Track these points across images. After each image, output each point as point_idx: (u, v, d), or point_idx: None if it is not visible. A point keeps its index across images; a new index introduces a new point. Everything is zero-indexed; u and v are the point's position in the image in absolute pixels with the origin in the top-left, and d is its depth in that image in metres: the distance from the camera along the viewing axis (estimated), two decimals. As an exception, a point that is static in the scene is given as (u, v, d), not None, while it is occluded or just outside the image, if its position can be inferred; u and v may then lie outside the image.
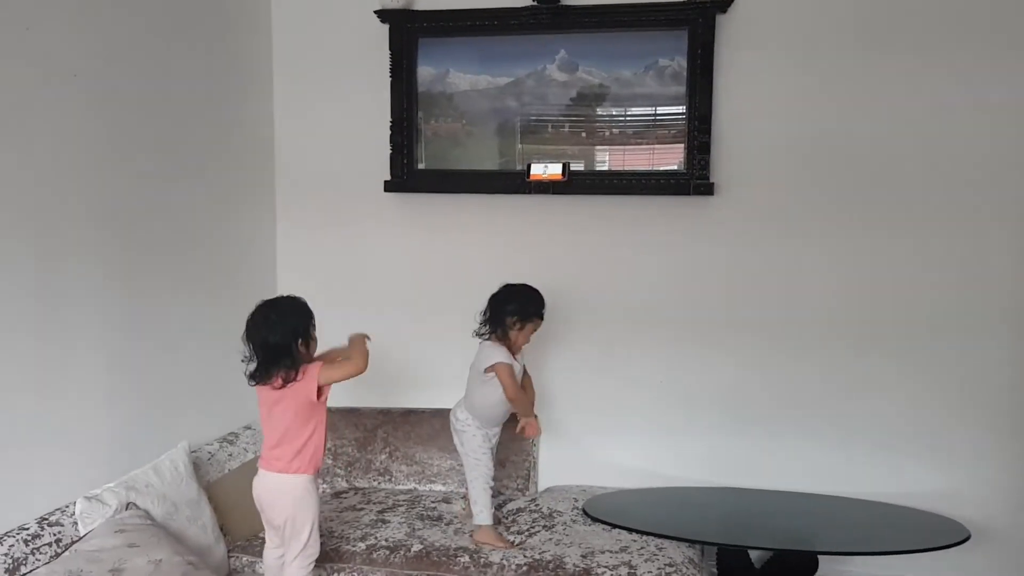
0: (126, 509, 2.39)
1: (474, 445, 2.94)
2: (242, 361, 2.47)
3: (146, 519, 2.40)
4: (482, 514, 2.88)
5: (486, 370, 2.87)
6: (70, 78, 2.46)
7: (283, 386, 2.42)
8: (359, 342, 2.53)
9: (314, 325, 2.49)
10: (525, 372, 3.04)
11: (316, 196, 3.54)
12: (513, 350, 2.90)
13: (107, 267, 2.63)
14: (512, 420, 2.99)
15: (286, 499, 2.46)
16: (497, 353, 2.87)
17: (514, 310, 2.87)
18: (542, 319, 2.92)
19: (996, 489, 3.10)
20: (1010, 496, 3.09)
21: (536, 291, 2.92)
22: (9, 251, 2.27)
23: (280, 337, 2.41)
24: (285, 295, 2.54)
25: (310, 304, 2.52)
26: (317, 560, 2.58)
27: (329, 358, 2.52)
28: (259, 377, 2.44)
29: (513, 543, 2.84)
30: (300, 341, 2.43)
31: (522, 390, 2.94)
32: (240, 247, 3.37)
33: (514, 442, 3.25)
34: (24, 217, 2.31)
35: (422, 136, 3.47)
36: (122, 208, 2.69)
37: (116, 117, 2.65)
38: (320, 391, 2.44)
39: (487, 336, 2.91)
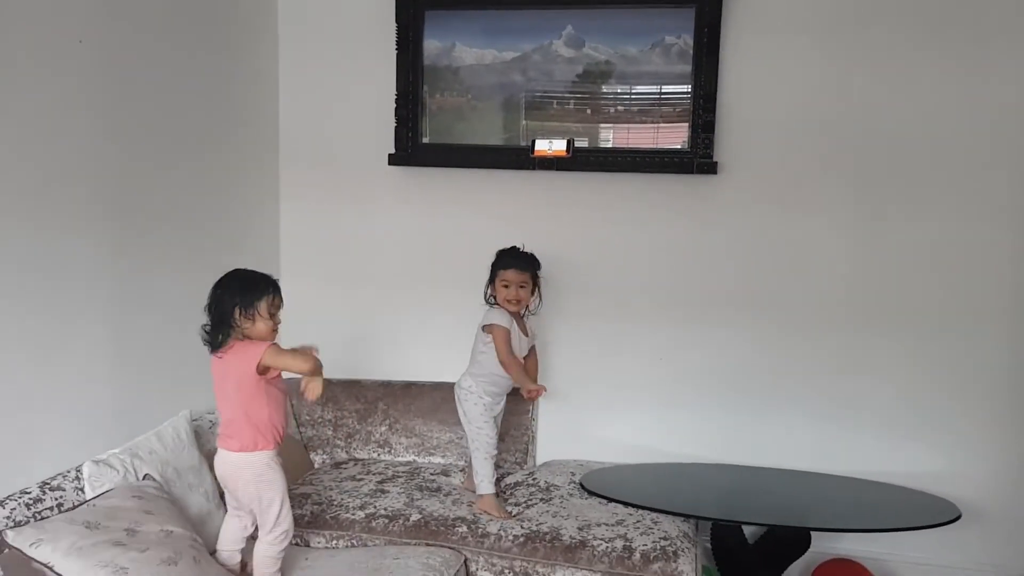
0: (144, 479, 2.42)
1: (475, 414, 2.97)
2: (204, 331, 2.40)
3: (161, 491, 2.43)
4: (483, 484, 2.92)
5: (484, 328, 2.95)
6: (75, 45, 2.46)
7: (224, 357, 2.36)
8: (306, 353, 2.44)
9: (273, 303, 2.38)
10: (532, 351, 3.08)
11: (320, 169, 3.54)
12: (515, 313, 2.97)
13: (110, 238, 2.64)
14: (516, 393, 3.03)
15: (248, 477, 2.39)
16: (495, 315, 2.95)
17: (490, 277, 3.00)
18: (506, 268, 2.95)
19: (987, 470, 3.13)
20: (1001, 476, 3.13)
21: (507, 248, 3.01)
22: (13, 223, 2.28)
23: (223, 304, 2.34)
24: (249, 269, 2.42)
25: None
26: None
27: (293, 350, 2.43)
28: (208, 343, 2.37)
29: (512, 514, 2.87)
30: (242, 312, 2.34)
31: (515, 357, 2.96)
32: (243, 219, 3.38)
33: (514, 416, 3.28)
34: (26, 189, 2.32)
35: (427, 110, 3.47)
36: (126, 181, 2.69)
37: (119, 91, 2.64)
38: (266, 370, 2.36)
39: (489, 305, 3.01)
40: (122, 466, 2.40)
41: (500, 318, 2.95)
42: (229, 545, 2.50)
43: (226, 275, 2.39)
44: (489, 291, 3.02)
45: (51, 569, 2.03)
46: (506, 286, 2.95)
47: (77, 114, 2.49)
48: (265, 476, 2.39)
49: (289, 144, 3.57)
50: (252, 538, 2.50)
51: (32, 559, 2.02)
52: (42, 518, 2.21)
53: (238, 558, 2.50)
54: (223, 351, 2.35)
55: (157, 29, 2.80)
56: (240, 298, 2.33)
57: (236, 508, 2.49)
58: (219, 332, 2.35)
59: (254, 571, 2.43)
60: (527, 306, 3.02)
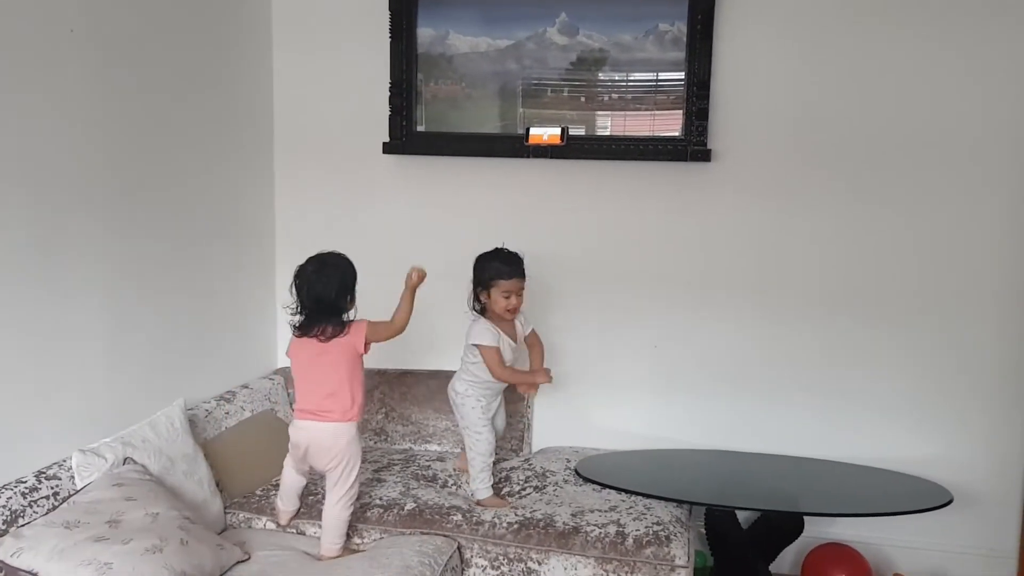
0: (123, 464, 2.43)
1: (473, 418, 2.95)
2: (286, 310, 2.58)
3: (144, 474, 2.44)
4: (481, 490, 2.92)
5: (472, 345, 2.91)
6: (67, 33, 2.46)
7: (329, 339, 2.52)
8: (408, 297, 2.65)
9: (357, 281, 2.59)
10: (533, 336, 3.04)
11: (315, 158, 3.55)
12: (501, 322, 2.90)
13: (104, 228, 2.64)
14: (511, 389, 3.05)
15: (341, 446, 2.56)
16: (480, 333, 2.88)
17: (475, 281, 2.90)
18: (507, 277, 2.84)
19: (978, 454, 3.15)
20: (992, 460, 3.14)
21: (500, 252, 2.88)
22: (5, 212, 2.28)
23: (332, 292, 2.52)
24: (333, 251, 2.61)
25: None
26: (308, 517, 2.69)
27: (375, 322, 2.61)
28: (306, 329, 2.54)
29: (511, 503, 2.89)
30: (348, 297, 2.55)
31: (510, 369, 2.92)
32: (238, 207, 3.38)
33: (510, 404, 3.28)
34: (19, 178, 2.32)
35: (422, 98, 3.47)
36: (119, 171, 2.70)
37: (111, 80, 2.64)
38: (367, 346, 2.57)
39: (475, 314, 2.93)
40: (113, 455, 2.41)
41: (487, 337, 2.85)
42: (294, 491, 2.74)
43: (319, 263, 2.56)
44: (477, 299, 2.89)
45: (36, 575, 2.04)
46: (507, 296, 2.84)
47: (69, 102, 2.48)
48: (354, 444, 2.60)
49: (284, 132, 3.56)
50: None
51: (17, 569, 2.03)
52: (37, 506, 2.23)
53: (297, 505, 2.77)
54: (321, 335, 2.52)
55: (150, 17, 2.80)
56: (348, 284, 2.56)
57: (295, 465, 2.69)
58: (328, 321, 2.53)
59: (325, 531, 2.60)
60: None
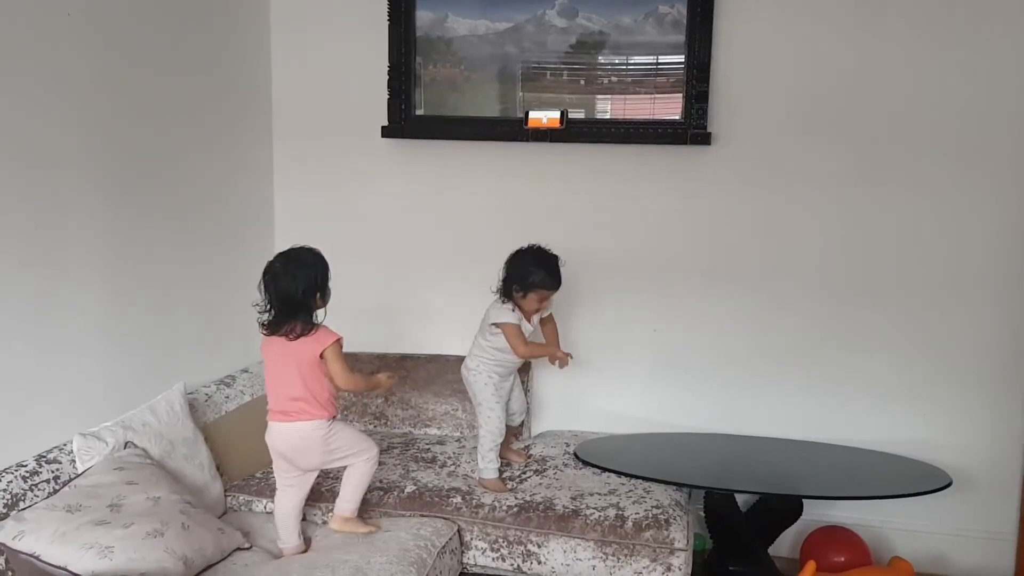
0: (124, 448, 2.43)
1: (487, 394, 2.95)
2: (255, 308, 2.49)
3: (145, 458, 2.45)
4: (488, 469, 2.92)
5: (492, 324, 2.89)
6: (64, 16, 2.44)
7: (296, 338, 2.44)
8: (376, 381, 2.66)
9: (329, 278, 2.50)
10: (550, 319, 3.04)
11: (314, 142, 3.53)
12: (526, 314, 2.89)
13: (104, 211, 2.64)
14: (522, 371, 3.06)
15: (317, 443, 2.49)
16: (502, 312, 2.87)
17: (514, 278, 2.86)
18: (548, 289, 2.84)
19: (977, 437, 3.15)
20: (991, 444, 3.15)
21: (546, 260, 2.84)
22: (5, 192, 2.28)
23: (298, 290, 2.43)
24: (303, 246, 2.52)
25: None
26: (309, 500, 2.66)
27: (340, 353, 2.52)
28: (273, 328, 2.46)
29: (510, 487, 2.90)
30: (317, 295, 2.46)
31: (531, 344, 2.93)
32: (237, 191, 3.37)
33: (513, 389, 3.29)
34: (14, 165, 2.31)
35: (420, 82, 3.45)
36: (117, 156, 2.69)
37: (109, 63, 2.63)
38: (322, 356, 2.46)
39: (499, 298, 2.90)
40: (113, 438, 2.42)
41: (508, 315, 2.85)
42: (291, 522, 2.55)
43: (287, 260, 2.48)
44: (508, 292, 2.86)
45: (37, 559, 2.04)
46: (541, 301, 2.86)
47: (67, 85, 2.47)
48: (333, 436, 2.52)
49: (282, 117, 3.55)
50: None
51: (18, 552, 2.04)
52: (38, 489, 2.23)
53: (299, 540, 2.56)
54: (290, 333, 2.44)
55: (147, 1, 2.78)
56: (317, 281, 2.46)
57: (289, 482, 2.56)
58: (297, 319, 2.45)
59: (344, 486, 2.57)
60: None
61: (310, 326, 2.45)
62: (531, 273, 2.83)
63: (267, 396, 2.55)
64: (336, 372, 2.47)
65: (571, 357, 2.97)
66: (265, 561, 2.43)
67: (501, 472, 2.98)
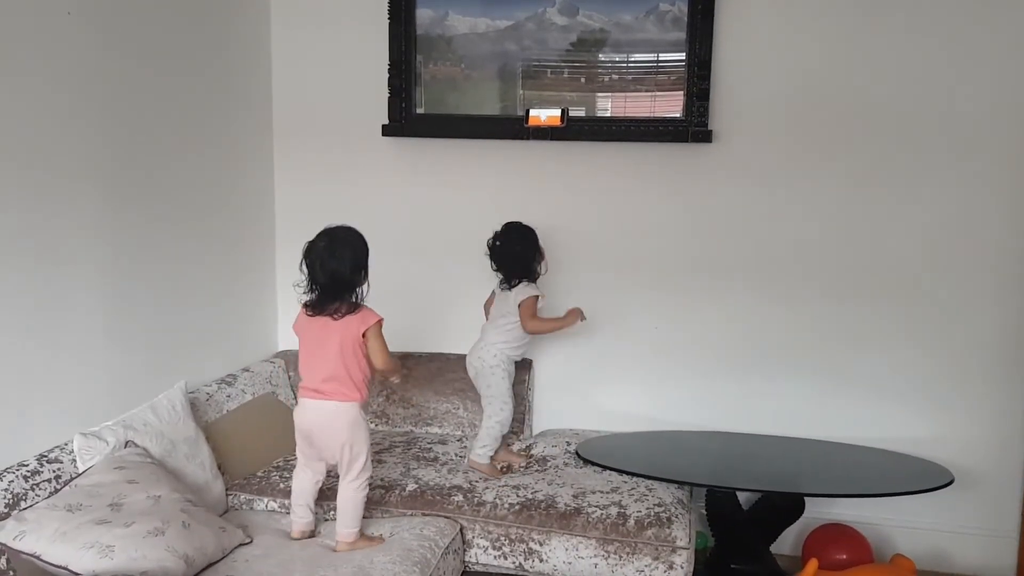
0: (125, 447, 2.43)
1: (503, 388, 3.01)
2: (297, 288, 2.49)
3: (145, 456, 2.44)
4: (483, 455, 2.97)
5: (522, 304, 2.94)
6: (64, 15, 2.44)
7: (341, 317, 2.45)
8: (400, 364, 2.73)
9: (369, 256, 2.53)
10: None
11: (314, 139, 3.53)
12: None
13: (105, 211, 2.63)
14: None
15: (343, 425, 2.49)
16: (528, 288, 2.96)
17: (532, 254, 2.97)
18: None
19: (979, 434, 3.15)
20: (992, 441, 3.15)
21: (525, 225, 3.00)
22: (5, 191, 2.27)
23: (346, 267, 2.44)
24: (342, 225, 2.51)
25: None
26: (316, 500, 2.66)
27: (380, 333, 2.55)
28: (319, 308, 2.47)
29: (502, 471, 2.96)
30: (363, 272, 2.48)
31: (546, 319, 3.03)
32: (238, 189, 3.37)
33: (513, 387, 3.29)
34: (16, 164, 2.31)
35: (421, 80, 3.45)
36: (119, 155, 2.68)
37: (110, 63, 2.63)
38: (364, 335, 2.49)
39: (522, 284, 2.98)
40: (114, 438, 2.41)
41: (534, 289, 2.97)
42: (304, 499, 2.59)
43: (331, 239, 2.47)
44: (534, 269, 2.99)
45: (39, 558, 2.04)
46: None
47: (68, 84, 2.47)
48: (360, 424, 2.52)
49: (283, 114, 3.55)
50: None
51: (19, 552, 2.03)
52: (39, 489, 2.23)
53: (311, 518, 2.59)
54: (335, 313, 2.45)
55: (148, 0, 2.78)
56: (362, 260, 2.49)
57: (312, 464, 2.59)
58: (343, 299, 2.46)
59: (340, 515, 2.54)
60: None
61: (355, 305, 2.47)
62: (536, 242, 2.99)
63: (300, 374, 2.56)
64: (376, 350, 2.50)
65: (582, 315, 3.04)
66: (267, 556, 2.43)
67: (502, 470, 2.99)
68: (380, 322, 2.50)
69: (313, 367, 2.51)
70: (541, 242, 3.01)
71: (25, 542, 2.05)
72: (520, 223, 3.01)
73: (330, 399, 2.49)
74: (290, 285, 2.59)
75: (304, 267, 2.46)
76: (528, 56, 3.36)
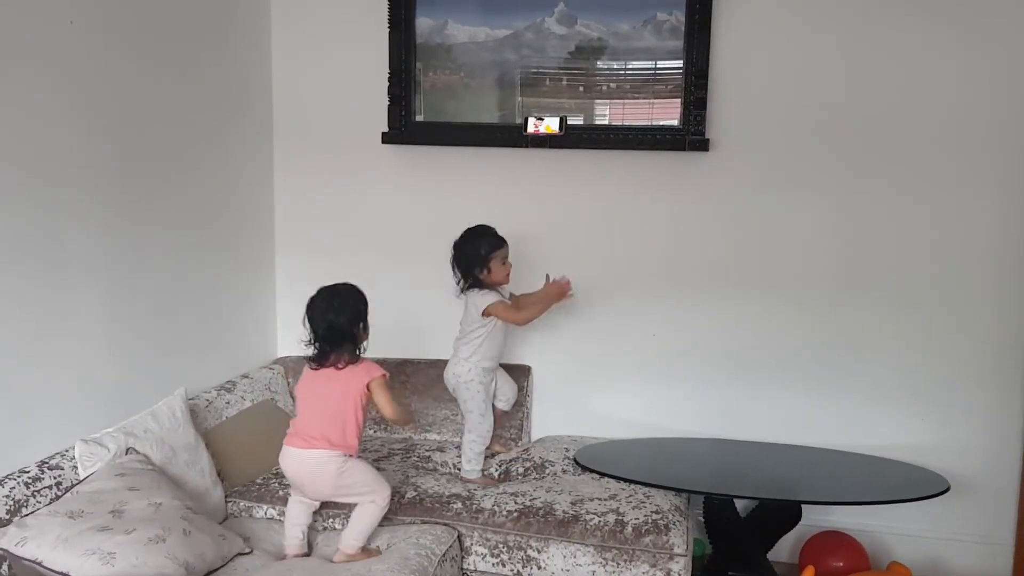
0: (126, 453, 2.44)
1: (478, 401, 2.99)
2: (304, 344, 2.55)
3: (147, 464, 2.45)
4: (472, 471, 2.99)
5: (484, 314, 2.91)
6: (67, 24, 2.45)
7: (345, 366, 2.51)
8: (412, 414, 2.78)
9: (368, 310, 2.58)
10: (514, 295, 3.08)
11: (314, 147, 3.54)
12: (500, 286, 2.96)
13: (105, 219, 2.64)
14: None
15: (328, 479, 2.51)
16: (486, 297, 2.91)
17: (471, 263, 2.91)
18: (501, 247, 2.92)
19: (976, 442, 3.16)
20: (989, 449, 3.16)
21: (478, 229, 2.94)
22: (5, 203, 2.28)
23: (344, 321, 2.51)
24: (343, 282, 2.59)
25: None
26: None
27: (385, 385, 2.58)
28: (321, 359, 2.53)
29: (496, 479, 2.97)
30: (361, 325, 2.55)
31: (525, 308, 2.98)
32: (238, 196, 3.38)
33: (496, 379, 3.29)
34: (18, 170, 2.32)
35: (420, 88, 3.46)
36: (120, 162, 2.70)
37: (111, 70, 2.64)
38: (368, 388, 2.53)
39: (469, 292, 2.95)
40: (115, 444, 2.42)
41: (491, 297, 2.91)
42: (298, 523, 2.58)
43: (330, 293, 2.55)
44: (471, 283, 2.92)
45: (40, 564, 2.05)
46: (504, 262, 2.93)
47: (69, 92, 2.48)
48: (351, 469, 2.53)
49: (283, 122, 3.56)
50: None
51: (21, 558, 2.04)
52: (41, 495, 2.23)
53: (303, 539, 2.58)
54: (339, 363, 2.51)
55: (148, 9, 2.79)
56: (360, 312, 2.56)
57: (298, 495, 2.61)
58: (343, 349, 2.52)
59: (352, 524, 2.54)
60: None
61: (356, 357, 2.53)
62: (478, 247, 2.90)
63: (292, 423, 2.59)
64: (383, 403, 2.55)
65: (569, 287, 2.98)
66: (266, 566, 2.43)
67: (500, 479, 3.00)
68: (385, 376, 2.55)
69: (309, 418, 2.54)
70: (494, 248, 2.91)
71: (27, 548, 2.06)
72: (473, 227, 2.97)
73: (313, 449, 2.50)
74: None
75: (306, 322, 2.54)
76: (527, 64, 3.38)
